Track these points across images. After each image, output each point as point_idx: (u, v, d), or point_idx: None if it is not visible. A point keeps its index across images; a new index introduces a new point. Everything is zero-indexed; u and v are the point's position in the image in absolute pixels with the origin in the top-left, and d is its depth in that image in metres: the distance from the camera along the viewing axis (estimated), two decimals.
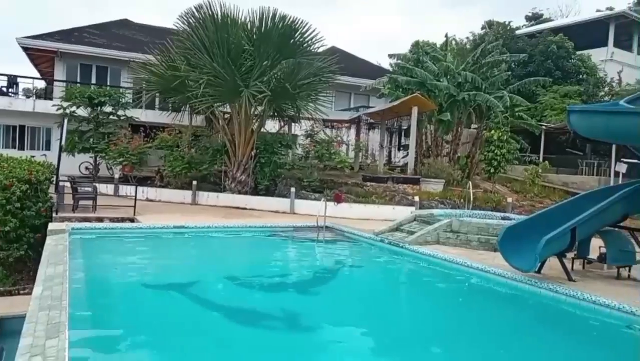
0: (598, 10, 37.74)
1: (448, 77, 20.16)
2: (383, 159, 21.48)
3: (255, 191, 17.29)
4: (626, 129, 7.97)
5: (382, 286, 9.20)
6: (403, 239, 11.24)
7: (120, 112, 20.24)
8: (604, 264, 8.86)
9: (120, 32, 26.65)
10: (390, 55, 23.28)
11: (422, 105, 18.86)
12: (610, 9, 36.58)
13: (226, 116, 18.57)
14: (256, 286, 8.28)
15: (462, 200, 16.12)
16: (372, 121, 23.65)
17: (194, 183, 16.75)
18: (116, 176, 18.15)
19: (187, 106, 18.47)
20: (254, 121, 17.59)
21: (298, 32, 16.34)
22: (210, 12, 15.88)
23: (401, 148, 25.91)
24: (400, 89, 20.70)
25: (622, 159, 18.13)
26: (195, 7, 16.06)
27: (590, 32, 31.38)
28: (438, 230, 11.32)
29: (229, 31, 15.81)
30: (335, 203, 15.00)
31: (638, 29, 32.37)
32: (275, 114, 19.03)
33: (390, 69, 23.90)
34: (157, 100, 22.48)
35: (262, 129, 18.21)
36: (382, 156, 21.43)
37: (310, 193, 16.53)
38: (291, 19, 15.93)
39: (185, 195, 16.83)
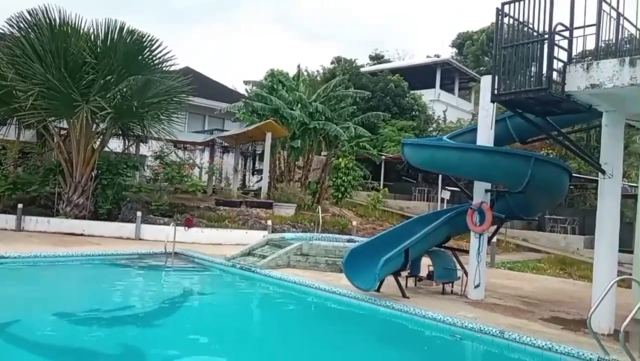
0: (428, 56, 43.21)
1: (300, 106, 21.06)
2: (237, 183, 21.43)
3: (95, 216, 15.82)
4: (447, 161, 9.18)
5: (232, 312, 9.05)
6: (255, 263, 11.25)
7: None
8: (432, 281, 9.93)
9: None
10: (246, 82, 23.55)
11: (276, 131, 19.38)
12: (437, 56, 42.18)
13: (62, 132, 16.82)
14: (92, 322, 7.49)
15: (312, 224, 16.78)
16: (226, 144, 23.50)
17: (20, 206, 14.71)
18: None
19: (14, 118, 16.29)
20: (95, 138, 16.22)
21: (147, 49, 15.67)
22: (46, 18, 14.40)
23: (255, 172, 26.12)
24: (255, 115, 21.01)
25: (446, 187, 20.71)
26: (28, 11, 14.43)
27: (421, 75, 35.68)
28: (289, 253, 11.59)
29: (68, 41, 14.50)
30: (186, 228, 14.50)
31: (458, 76, 37.76)
32: (121, 132, 17.82)
33: (246, 94, 24.14)
34: None
35: (105, 148, 16.87)
36: (236, 180, 21.38)
37: (159, 218, 15.69)
38: (140, 35, 15.23)
39: (8, 220, 14.74)
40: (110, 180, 16.14)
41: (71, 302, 8.79)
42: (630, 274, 8.34)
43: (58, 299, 8.84)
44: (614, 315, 7.19)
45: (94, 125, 15.73)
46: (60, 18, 14.50)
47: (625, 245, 9.00)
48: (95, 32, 15.20)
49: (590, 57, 7.06)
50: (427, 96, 34.03)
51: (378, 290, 8.93)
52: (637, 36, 7.54)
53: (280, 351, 6.82)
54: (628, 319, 5.29)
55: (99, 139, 16.46)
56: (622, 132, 7.72)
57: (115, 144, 18.29)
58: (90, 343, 6.52)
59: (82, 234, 14.53)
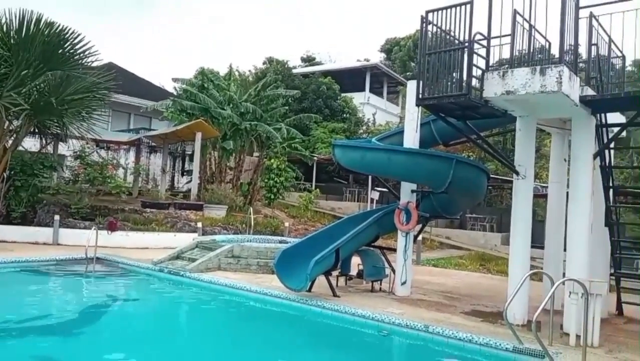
0: (358, 60, 44.11)
1: (231, 106, 20.75)
2: (165, 185, 20.72)
3: (7, 220, 14.64)
4: (376, 162, 9.45)
5: (159, 318, 8.74)
6: (184, 267, 10.95)
7: None
8: (362, 280, 10.17)
9: None
10: (175, 79, 22.84)
11: (206, 131, 18.96)
12: (367, 60, 43.17)
13: None
14: (3, 335, 6.94)
15: (244, 225, 16.61)
16: (154, 144, 22.64)
17: None
18: None
19: None
20: (8, 137, 15.02)
21: (68, 43, 14.72)
22: None
23: (185, 173, 25.38)
24: (185, 114, 20.44)
25: (375, 188, 21.26)
26: None
27: (352, 78, 36.41)
28: (220, 256, 11.38)
29: None
30: (109, 232, 13.86)
31: (386, 80, 38.91)
32: (37, 130, 16.62)
33: (175, 93, 23.40)
34: None
35: (20, 147, 15.66)
36: (165, 181, 20.66)
37: (80, 221, 14.82)
38: (60, 27, 14.28)
39: None
40: (25, 181, 15.02)
41: None
42: (542, 269, 9.02)
43: None
44: (527, 307, 7.73)
45: (7, 123, 14.56)
46: None
47: (538, 241, 9.71)
48: (8, 23, 14.09)
49: (506, 66, 7.56)
50: (357, 98, 34.75)
51: (309, 290, 9.01)
52: (547, 47, 8.17)
53: (209, 357, 6.68)
54: (539, 310, 5.71)
55: (12, 138, 15.27)
56: (534, 136, 8.33)
57: (31, 143, 17.01)
58: (1, 358, 6.04)
59: None
